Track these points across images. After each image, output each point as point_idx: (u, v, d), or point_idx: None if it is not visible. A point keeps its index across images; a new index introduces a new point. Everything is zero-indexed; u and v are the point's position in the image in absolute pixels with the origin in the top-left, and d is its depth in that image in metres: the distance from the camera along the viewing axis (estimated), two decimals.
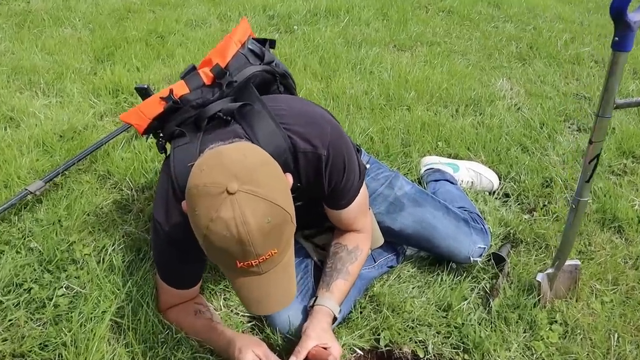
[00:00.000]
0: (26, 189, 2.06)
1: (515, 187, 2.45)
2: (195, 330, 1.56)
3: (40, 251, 1.85)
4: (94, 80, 3.09)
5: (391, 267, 1.96)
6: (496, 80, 3.46)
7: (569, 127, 3.00)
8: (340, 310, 1.58)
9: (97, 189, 2.24)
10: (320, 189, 1.49)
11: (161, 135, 1.55)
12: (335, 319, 1.57)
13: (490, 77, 3.52)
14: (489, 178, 2.48)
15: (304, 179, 1.45)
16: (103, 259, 1.84)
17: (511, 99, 3.24)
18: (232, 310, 1.76)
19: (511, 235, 2.16)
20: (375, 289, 1.85)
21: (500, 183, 2.49)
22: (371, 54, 3.60)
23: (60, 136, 2.57)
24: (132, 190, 2.23)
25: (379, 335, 1.70)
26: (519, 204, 2.37)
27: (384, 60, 3.55)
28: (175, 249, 1.47)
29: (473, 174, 2.47)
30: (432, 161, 2.50)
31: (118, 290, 1.71)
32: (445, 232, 1.86)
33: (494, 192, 2.45)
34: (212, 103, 1.46)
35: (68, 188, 2.19)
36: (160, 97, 1.51)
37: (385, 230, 1.83)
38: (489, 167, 2.53)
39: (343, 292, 1.60)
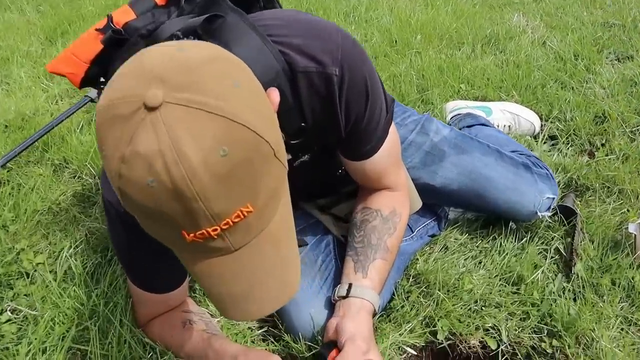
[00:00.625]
0: None
1: (562, 127, 2.02)
2: (185, 348, 1.13)
3: None
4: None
5: (433, 236, 1.53)
6: (510, 17, 3.03)
7: (607, 58, 2.56)
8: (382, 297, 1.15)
9: (52, 181, 1.79)
10: (334, 128, 1.04)
11: (104, 85, 1.09)
12: (374, 315, 1.14)
13: (503, 14, 3.09)
14: (529, 119, 2.04)
15: (309, 114, 1.01)
16: (60, 268, 1.39)
17: (532, 33, 2.80)
18: None
19: (573, 182, 1.73)
20: (418, 265, 1.41)
21: (542, 124, 2.06)
22: (364, 0, 3.14)
23: (6, 126, 2.11)
24: (95, 177, 1.78)
25: (434, 326, 1.27)
26: (570, 146, 1.94)
27: (379, 6, 3.10)
28: (140, 238, 1.04)
29: (509, 116, 2.04)
30: (458, 106, 2.06)
31: (81, 305, 1.27)
32: (502, 183, 1.43)
33: (536, 135, 2.02)
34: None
35: (15, 184, 1.74)
36: (97, 30, 1.06)
37: (423, 189, 1.39)
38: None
39: (383, 277, 1.17)
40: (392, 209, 1.22)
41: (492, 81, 2.28)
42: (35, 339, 1.17)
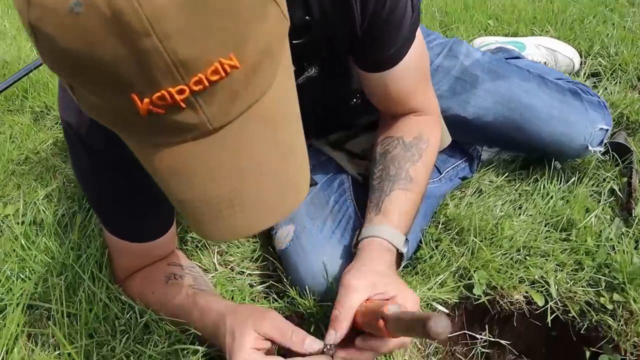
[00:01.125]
0: None
1: (605, 63, 1.77)
2: (167, 306, 0.93)
3: None
4: None
5: (464, 178, 1.31)
6: None
7: None
8: (407, 240, 0.93)
9: (31, 130, 1.59)
10: (347, 24, 0.82)
11: None
12: (400, 255, 0.92)
13: None
14: (567, 55, 1.79)
15: (315, 4, 0.79)
16: (29, 218, 1.20)
17: None
18: (232, 269, 1.13)
19: (624, 119, 1.50)
20: (448, 210, 1.20)
21: (581, 61, 1.82)
22: None
23: None
24: None
25: (470, 279, 1.06)
26: (617, 83, 1.69)
27: None
28: (110, 168, 0.84)
29: (545, 51, 1.79)
30: (486, 42, 1.83)
31: (50, 259, 1.07)
32: (546, 112, 1.20)
33: (576, 73, 1.78)
34: None
35: None
36: None
37: (453, 122, 1.17)
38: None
39: (404, 210, 0.94)
40: (416, 134, 1.00)
41: (523, 16, 2.03)
42: None
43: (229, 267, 1.12)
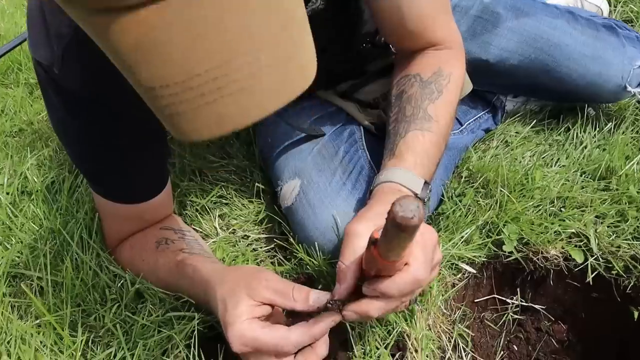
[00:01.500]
0: None
1: (638, 9, 1.63)
2: (157, 275, 0.84)
3: None
4: None
5: (487, 130, 1.19)
6: None
7: None
8: (427, 184, 0.81)
9: (26, 103, 1.51)
10: None
11: None
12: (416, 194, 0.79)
13: None
14: (594, 2, 1.65)
15: None
16: (17, 186, 1.11)
17: None
18: (234, 232, 1.03)
19: None
20: (471, 163, 1.08)
21: (610, 9, 1.67)
22: None
23: None
24: None
25: (499, 235, 0.95)
26: None
27: None
28: (89, 112, 0.75)
29: None
30: None
31: (38, 226, 0.99)
32: (578, 50, 1.07)
33: None
34: None
35: None
36: None
37: (473, 67, 1.04)
38: None
39: (424, 152, 0.82)
40: (435, 69, 0.88)
41: None
42: None
43: (230, 229, 1.02)
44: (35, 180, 1.11)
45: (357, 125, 1.03)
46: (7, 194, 1.09)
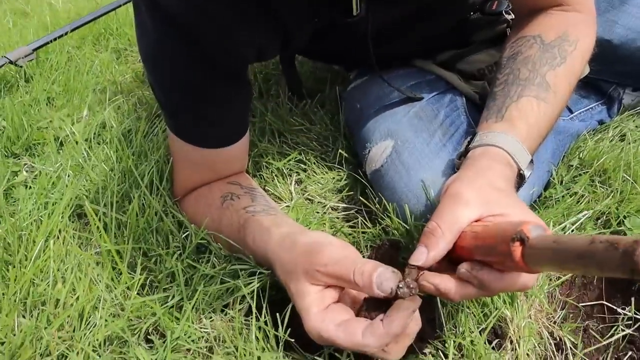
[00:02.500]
0: (4, 57, 1.38)
1: None
2: (219, 227, 0.77)
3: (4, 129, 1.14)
4: None
5: (601, 122, 1.06)
6: None
7: None
8: (532, 162, 0.70)
9: (112, 65, 1.51)
10: None
11: None
12: (521, 175, 0.69)
13: None
14: None
15: None
16: (94, 130, 1.09)
17: None
18: (310, 199, 0.94)
19: None
20: (584, 151, 0.95)
21: None
22: None
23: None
24: None
25: (619, 226, 0.81)
26: None
27: None
28: (184, 40, 0.70)
29: None
30: None
31: (110, 169, 0.95)
32: None
33: None
34: None
35: (71, 65, 1.48)
36: None
37: (599, 53, 0.92)
38: None
39: (536, 124, 0.71)
40: (560, 32, 0.77)
41: None
42: (42, 193, 0.86)
43: (307, 195, 0.94)
44: (113, 124, 1.07)
45: (459, 93, 0.92)
46: (85, 140, 1.07)
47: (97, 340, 0.65)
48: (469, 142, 0.71)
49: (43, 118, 1.19)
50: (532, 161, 0.70)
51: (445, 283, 0.55)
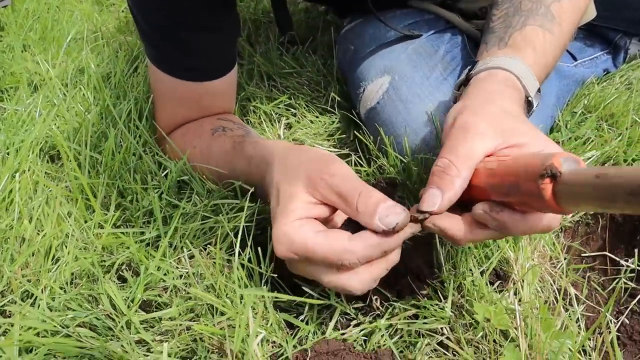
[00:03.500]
0: None
1: None
2: (208, 160, 0.71)
3: None
4: None
5: (606, 71, 1.01)
6: None
7: None
8: (540, 92, 0.65)
9: (94, 14, 1.43)
10: None
11: None
12: (528, 103, 0.63)
13: None
14: None
15: None
16: (71, 72, 1.02)
17: None
18: (301, 144, 0.89)
19: None
20: (590, 97, 0.90)
21: None
22: None
23: None
24: None
25: (627, 157, 0.76)
26: None
27: None
28: None
29: None
30: None
31: (85, 110, 0.88)
32: None
33: None
34: None
35: (49, 14, 1.40)
36: None
37: None
38: None
39: (543, 50, 0.66)
40: None
41: None
42: (10, 130, 0.80)
43: (298, 142, 0.88)
44: (92, 66, 1.00)
45: (459, 32, 0.86)
46: (63, 84, 1.00)
47: (65, 277, 0.59)
48: (470, 71, 0.65)
49: (17, 63, 1.12)
50: (539, 90, 0.64)
51: (454, 226, 0.49)
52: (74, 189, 0.68)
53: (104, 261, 0.61)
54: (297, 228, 0.50)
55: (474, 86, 0.61)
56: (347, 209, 0.50)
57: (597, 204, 0.38)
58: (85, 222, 0.65)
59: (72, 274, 0.60)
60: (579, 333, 0.63)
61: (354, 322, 0.60)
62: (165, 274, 0.59)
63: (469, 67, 0.66)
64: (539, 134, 0.52)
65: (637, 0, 0.95)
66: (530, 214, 0.48)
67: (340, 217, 0.58)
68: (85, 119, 0.83)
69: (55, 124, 0.85)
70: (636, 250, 0.84)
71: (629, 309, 0.86)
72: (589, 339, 0.64)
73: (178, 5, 0.70)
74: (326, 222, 0.54)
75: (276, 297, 0.57)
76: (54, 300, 0.57)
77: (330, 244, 0.48)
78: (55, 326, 0.54)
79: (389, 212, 0.48)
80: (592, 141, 0.79)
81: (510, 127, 0.53)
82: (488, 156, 0.52)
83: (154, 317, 0.57)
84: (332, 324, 0.58)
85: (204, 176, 0.71)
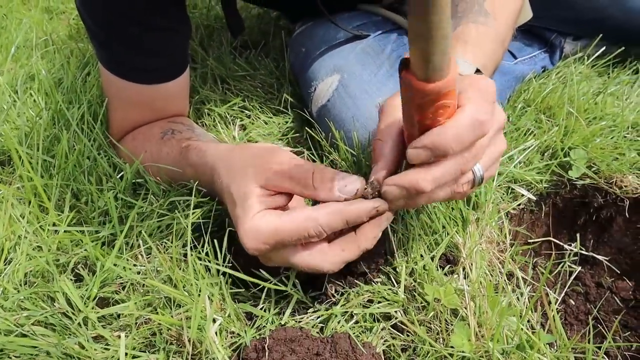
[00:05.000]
0: None
1: None
2: (158, 159, 0.72)
3: None
4: None
5: (544, 68, 1.07)
6: None
7: None
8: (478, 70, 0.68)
9: (44, 21, 1.41)
10: None
11: None
12: None
13: None
14: None
15: None
16: (21, 80, 1.00)
17: None
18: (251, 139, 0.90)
19: None
20: (529, 90, 0.95)
21: None
22: None
23: None
24: None
25: (565, 156, 0.81)
26: None
27: None
28: None
29: None
30: None
31: (37, 116, 0.87)
32: None
33: None
34: None
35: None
36: None
37: None
38: None
39: (477, 42, 0.68)
40: None
41: None
42: None
43: (248, 133, 0.90)
44: (43, 71, 0.99)
45: (405, 32, 0.90)
46: (14, 92, 0.98)
47: (18, 277, 0.59)
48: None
49: None
50: (478, 70, 0.67)
51: (407, 177, 0.49)
52: (27, 190, 0.67)
53: (59, 260, 0.61)
54: (260, 218, 0.52)
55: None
56: (303, 190, 0.53)
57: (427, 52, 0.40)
58: (39, 223, 0.65)
59: (26, 274, 0.59)
60: (525, 311, 0.66)
61: (311, 309, 0.61)
62: (123, 270, 0.60)
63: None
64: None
65: (569, 8, 1.01)
66: (448, 121, 0.47)
67: (299, 206, 0.60)
68: (36, 123, 0.82)
69: (4, 130, 0.84)
70: (578, 235, 0.89)
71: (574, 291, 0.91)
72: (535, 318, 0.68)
73: (128, 8, 0.70)
74: (284, 210, 0.56)
75: (233, 286, 0.58)
76: (6, 300, 0.56)
77: (294, 218, 0.51)
78: (9, 325, 0.53)
79: (346, 182, 0.51)
80: (532, 132, 0.84)
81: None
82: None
83: (112, 314, 0.57)
84: (288, 311, 0.59)
85: (157, 179, 0.72)
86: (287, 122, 0.92)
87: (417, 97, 0.44)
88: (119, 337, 0.55)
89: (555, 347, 0.58)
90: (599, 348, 0.55)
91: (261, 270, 0.58)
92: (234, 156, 0.60)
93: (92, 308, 0.57)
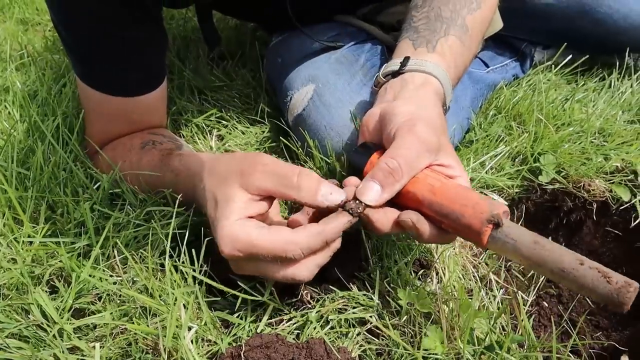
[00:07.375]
0: None
1: None
2: (137, 168, 0.72)
3: None
4: None
5: (515, 77, 1.09)
6: None
7: None
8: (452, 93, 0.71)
9: (19, 33, 1.40)
10: None
11: None
12: (444, 106, 0.69)
13: None
14: None
15: None
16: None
17: None
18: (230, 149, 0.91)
19: None
20: (501, 98, 0.98)
21: None
22: None
23: None
24: None
25: (535, 162, 0.83)
26: None
27: None
28: None
29: None
30: None
31: (12, 128, 0.87)
32: None
33: None
34: None
35: None
36: None
37: (506, 6, 0.95)
38: None
39: (462, 63, 0.73)
40: None
41: None
42: None
43: (225, 143, 0.91)
44: (18, 83, 0.99)
45: (379, 42, 0.92)
46: None
47: None
48: (398, 61, 0.69)
49: None
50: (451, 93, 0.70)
51: (381, 219, 0.54)
52: (1, 203, 0.67)
53: (34, 272, 0.61)
54: (240, 227, 0.52)
55: (402, 86, 0.66)
56: (286, 191, 0.53)
57: (523, 260, 0.50)
58: (14, 235, 0.65)
59: (0, 286, 0.59)
60: (497, 313, 0.68)
61: (287, 316, 0.62)
62: (99, 280, 0.60)
63: (387, 64, 0.70)
64: (455, 154, 0.60)
65: (539, 12, 1.04)
66: (448, 233, 0.54)
67: (275, 216, 0.61)
68: (11, 135, 0.82)
69: None
70: (550, 238, 0.91)
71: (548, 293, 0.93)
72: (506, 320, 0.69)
73: (104, 22, 0.71)
74: (264, 219, 0.57)
75: (209, 295, 0.59)
76: None
77: (274, 237, 0.51)
78: None
79: (332, 190, 0.53)
80: (503, 138, 0.86)
81: (444, 144, 0.59)
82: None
83: (88, 324, 0.57)
84: (265, 319, 0.60)
85: (136, 187, 0.72)
86: (264, 132, 0.93)
87: (471, 234, 0.52)
88: (94, 347, 0.55)
89: (525, 347, 0.60)
90: (565, 347, 0.56)
91: (237, 278, 0.59)
92: (219, 162, 0.60)
93: (68, 319, 0.57)
